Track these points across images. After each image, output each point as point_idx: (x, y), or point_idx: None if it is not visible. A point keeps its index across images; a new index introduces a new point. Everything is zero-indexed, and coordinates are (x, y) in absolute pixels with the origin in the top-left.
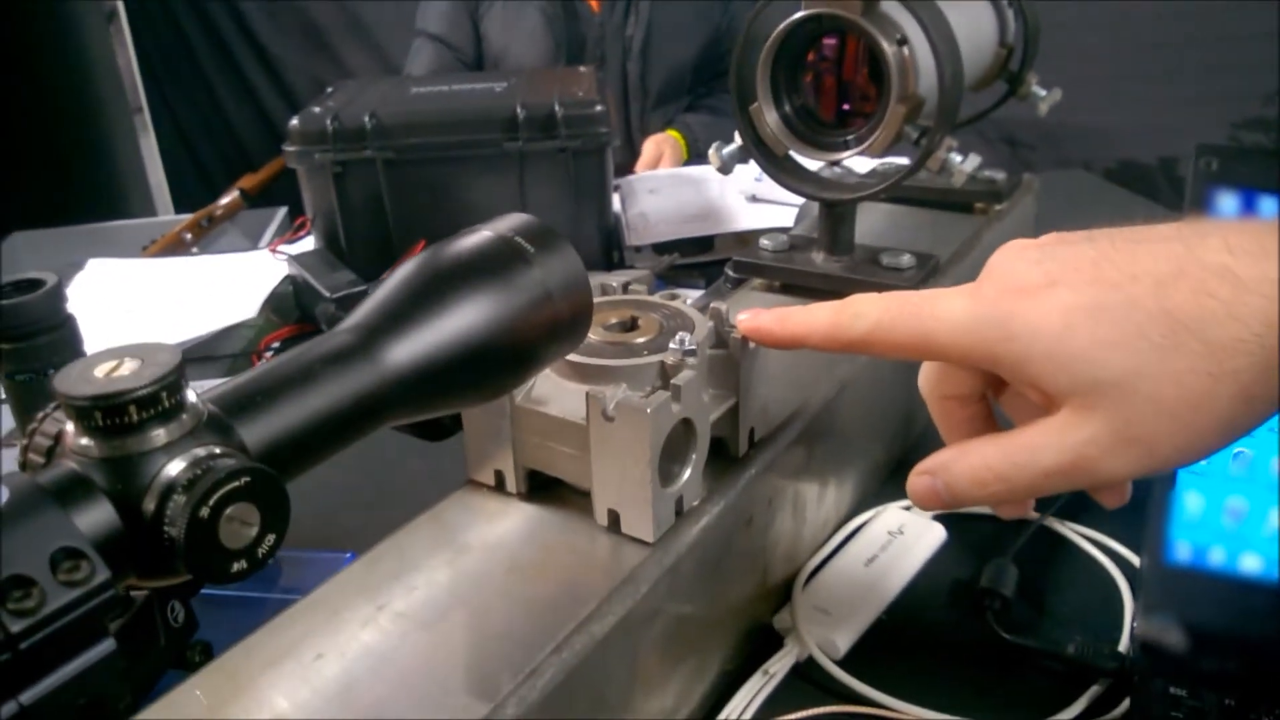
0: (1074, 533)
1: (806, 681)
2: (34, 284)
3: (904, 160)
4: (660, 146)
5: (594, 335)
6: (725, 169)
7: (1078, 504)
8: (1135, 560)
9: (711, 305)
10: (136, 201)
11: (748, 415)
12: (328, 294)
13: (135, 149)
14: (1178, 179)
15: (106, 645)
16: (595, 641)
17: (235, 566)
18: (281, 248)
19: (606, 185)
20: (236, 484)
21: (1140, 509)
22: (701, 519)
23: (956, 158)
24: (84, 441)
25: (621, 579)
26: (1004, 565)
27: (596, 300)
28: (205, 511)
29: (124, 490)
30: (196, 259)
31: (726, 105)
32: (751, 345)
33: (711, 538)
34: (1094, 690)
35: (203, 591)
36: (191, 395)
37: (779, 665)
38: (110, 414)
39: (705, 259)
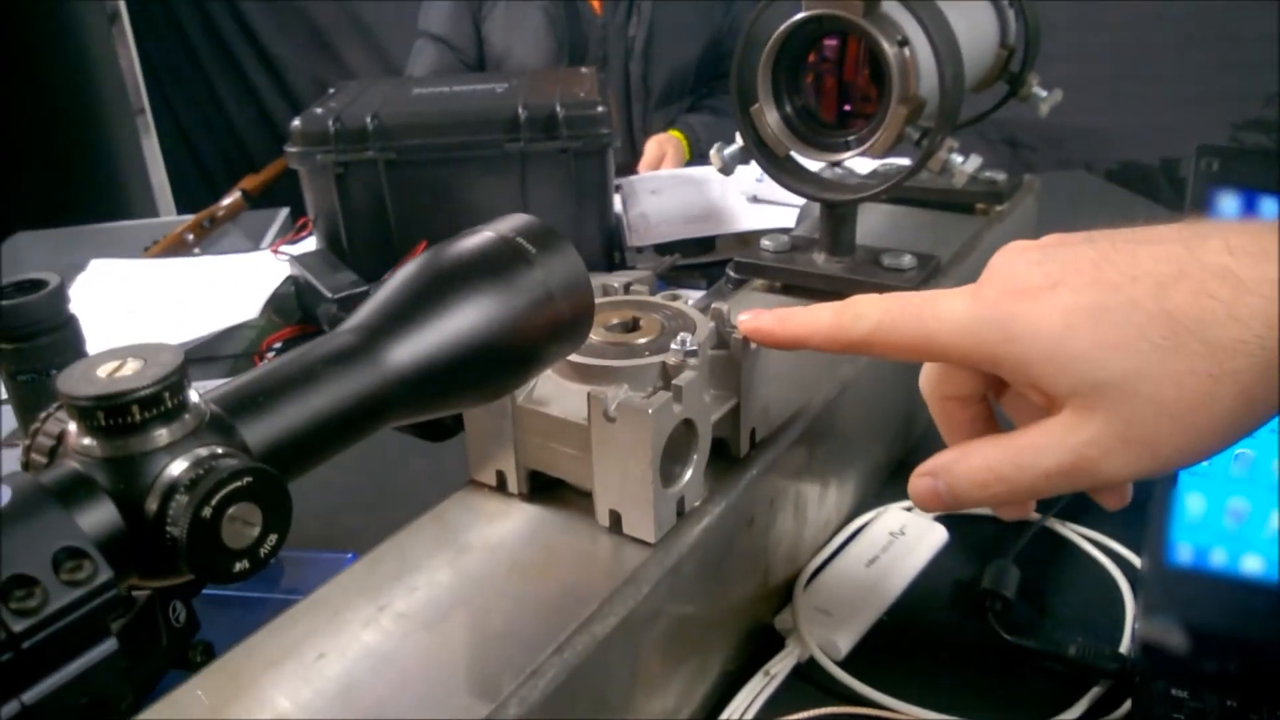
0: (1075, 534)
1: (807, 682)
2: (36, 284)
3: (905, 161)
4: (663, 146)
5: (595, 336)
6: (726, 170)
7: (1079, 505)
8: (1136, 561)
9: (713, 306)
10: (138, 202)
11: (749, 416)
12: (329, 295)
13: (137, 150)
14: (1179, 180)
15: (108, 645)
16: (597, 642)
17: (237, 566)
18: (283, 248)
19: (608, 186)
20: (239, 484)
21: (1141, 510)
22: (703, 519)
23: (957, 159)
24: (86, 441)
25: (623, 579)
26: (1005, 566)
27: (598, 301)
28: (207, 511)
29: (126, 490)
30: (198, 260)
31: (728, 106)
32: (753, 346)
33: (713, 538)
34: (1095, 691)
35: (204, 592)
36: (194, 395)
37: (780, 666)
38: (113, 414)
39: (706, 260)
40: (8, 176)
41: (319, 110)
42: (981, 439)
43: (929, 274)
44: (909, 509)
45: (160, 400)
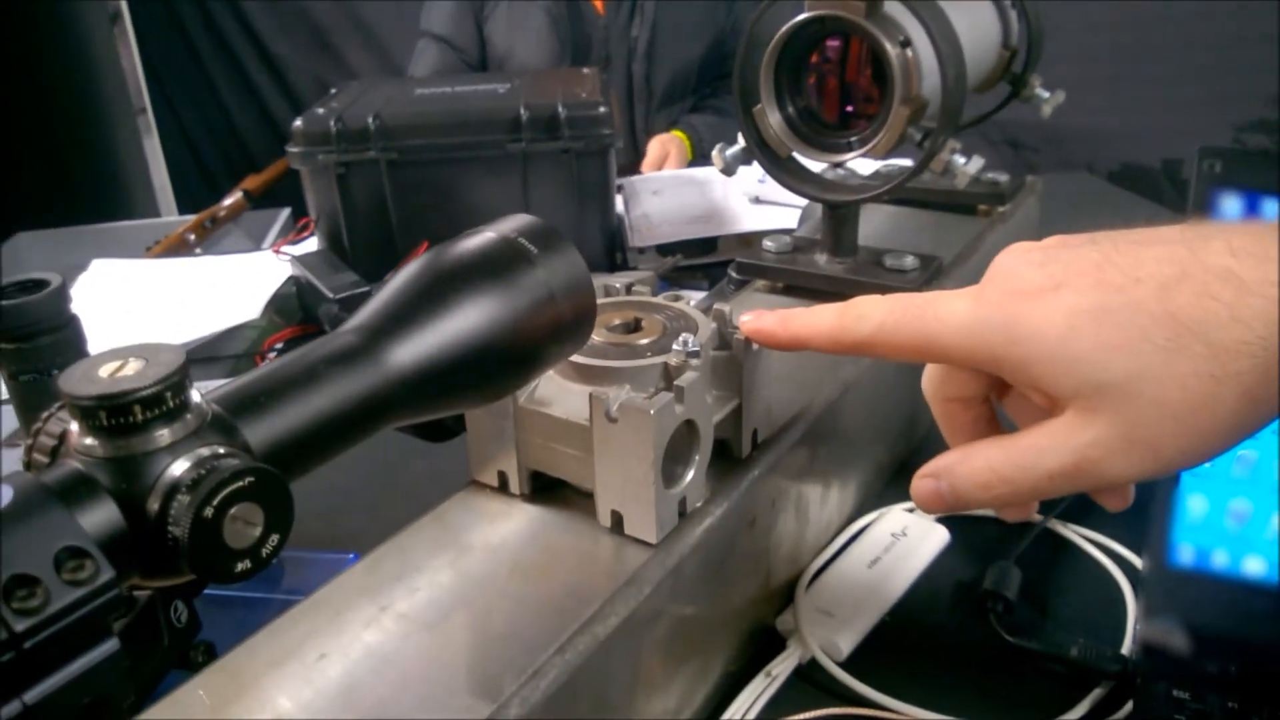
0: (1077, 535)
1: (809, 683)
2: (38, 284)
3: (907, 162)
4: (666, 146)
5: (597, 336)
6: (728, 170)
7: (1081, 507)
8: (1138, 563)
9: (715, 307)
10: (140, 202)
11: (751, 417)
12: (331, 295)
13: (139, 150)
14: (1181, 181)
15: (110, 645)
16: (598, 642)
17: (239, 566)
18: (285, 249)
19: (610, 186)
20: (240, 484)
21: (1143, 512)
22: (705, 520)
23: (960, 159)
24: (88, 441)
25: (624, 580)
26: (1007, 568)
27: (600, 301)
28: (209, 511)
29: (128, 490)
30: (200, 260)
31: (731, 106)
32: (755, 347)
33: (714, 539)
34: (1097, 693)
35: (206, 592)
36: (196, 395)
37: (782, 667)
38: (115, 414)
39: (708, 260)
40: (9, 176)
41: (321, 110)
42: (984, 440)
43: (931, 275)
44: (911, 510)
45: (162, 400)
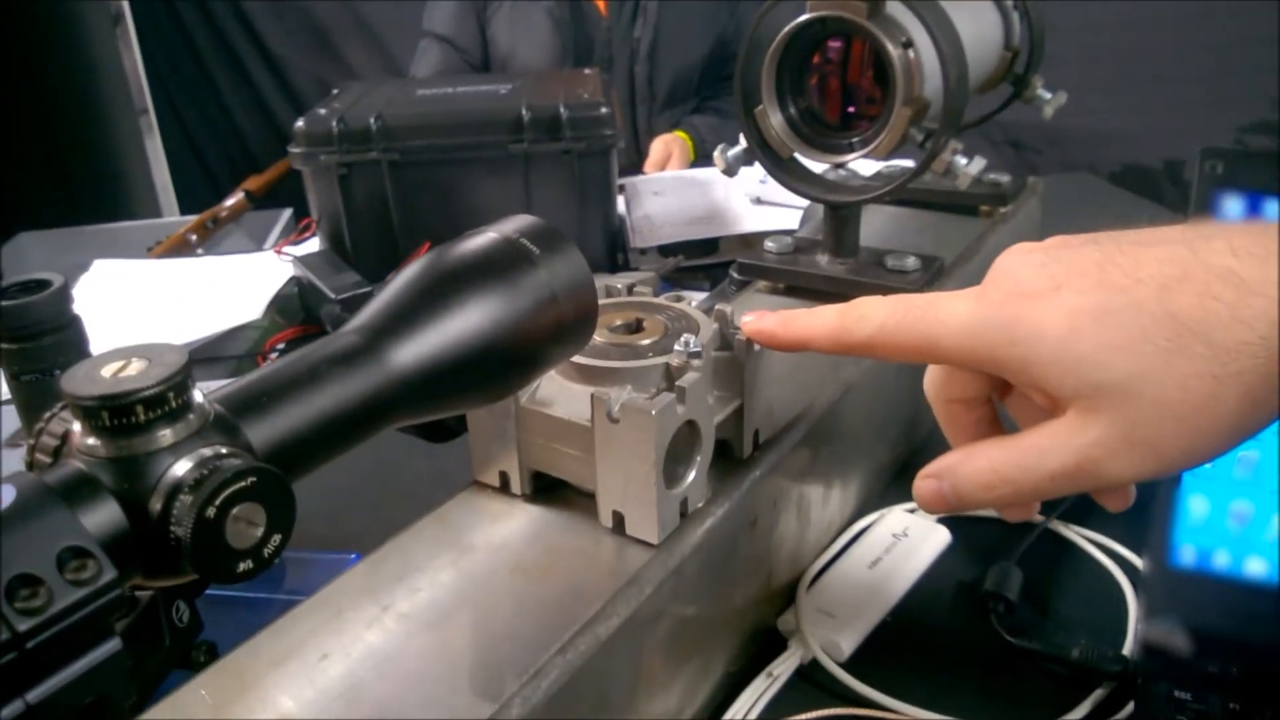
0: (1078, 536)
1: (810, 684)
2: (40, 284)
3: (909, 163)
4: (669, 146)
5: (599, 337)
6: (730, 171)
7: (1082, 507)
8: (1140, 564)
9: (716, 307)
10: (142, 203)
11: (752, 417)
12: (333, 295)
13: (141, 150)
14: (1183, 182)
15: (112, 645)
16: (600, 643)
17: (241, 566)
18: (286, 249)
19: (611, 187)
20: (243, 484)
21: (1144, 513)
22: (706, 521)
23: (961, 160)
24: (91, 441)
25: (626, 580)
26: (1008, 568)
27: (601, 302)
28: (211, 511)
29: (131, 490)
30: (202, 260)
31: (733, 107)
32: (756, 347)
33: (716, 539)
34: (1098, 694)
35: (208, 592)
36: (198, 395)
37: (783, 667)
38: (117, 414)
39: (710, 261)
40: (11, 177)
41: (322, 111)
42: (986, 441)
43: (933, 276)
44: (912, 510)
45: (164, 400)
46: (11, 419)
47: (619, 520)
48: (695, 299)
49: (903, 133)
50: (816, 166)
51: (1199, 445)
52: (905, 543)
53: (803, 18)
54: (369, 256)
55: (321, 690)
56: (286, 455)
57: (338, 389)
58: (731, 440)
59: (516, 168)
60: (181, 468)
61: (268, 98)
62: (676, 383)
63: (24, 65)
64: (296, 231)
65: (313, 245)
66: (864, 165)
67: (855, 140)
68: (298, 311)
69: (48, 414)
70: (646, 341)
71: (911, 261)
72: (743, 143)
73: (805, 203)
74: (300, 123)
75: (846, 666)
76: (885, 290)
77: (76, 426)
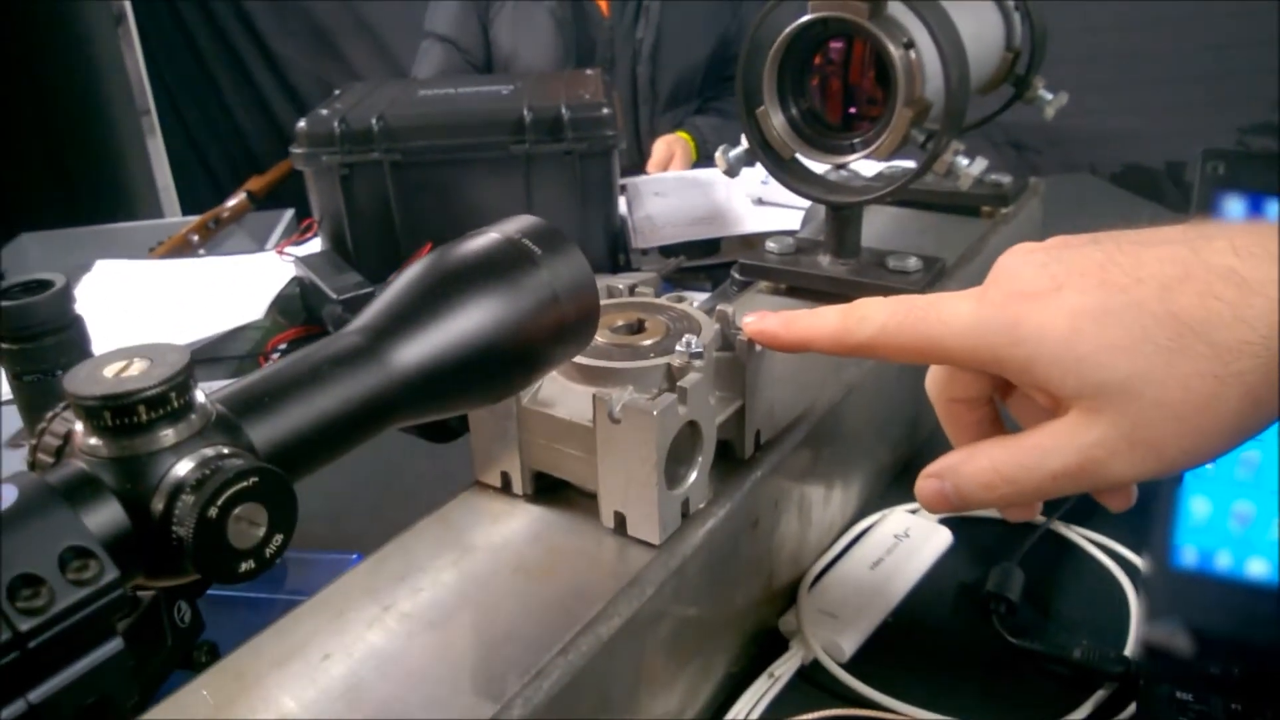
0: (1080, 537)
1: (812, 684)
2: (42, 285)
3: (910, 163)
4: (671, 147)
5: (600, 338)
6: (732, 172)
7: (1084, 508)
8: (1141, 564)
9: (718, 308)
10: (144, 203)
11: (754, 418)
12: (335, 296)
13: (143, 151)
14: (1184, 183)
15: (114, 645)
16: (601, 643)
17: (243, 566)
18: (288, 250)
19: (613, 188)
20: (245, 484)
21: (1146, 513)
22: (707, 521)
23: (963, 161)
24: (93, 441)
25: (627, 581)
26: (1010, 569)
27: (603, 302)
28: (213, 511)
29: (133, 490)
30: (204, 260)
31: (735, 108)
32: (758, 348)
33: (717, 540)
34: (1100, 694)
35: (209, 592)
36: (200, 395)
37: (784, 668)
38: (119, 414)
39: (711, 262)
40: (13, 177)
41: (324, 111)
42: (988, 440)
43: (934, 276)
44: (914, 511)
45: (166, 400)
46: (13, 419)
47: (620, 521)
48: (697, 299)
49: (904, 134)
50: (818, 167)
51: (1201, 445)
52: (907, 543)
53: (804, 18)
54: (371, 257)
55: (323, 690)
56: (288, 455)
57: (340, 389)
58: (733, 441)
59: (518, 168)
60: (183, 468)
61: (269, 98)
62: (678, 383)
63: (26, 66)
64: (298, 232)
65: (314, 246)
66: (865, 166)
67: (857, 141)
68: (299, 312)
69: (50, 414)
70: (648, 342)
71: (913, 262)
72: (744, 143)
73: (806, 203)
74: (302, 123)
75: (848, 667)
76: (887, 291)
77: (79, 426)
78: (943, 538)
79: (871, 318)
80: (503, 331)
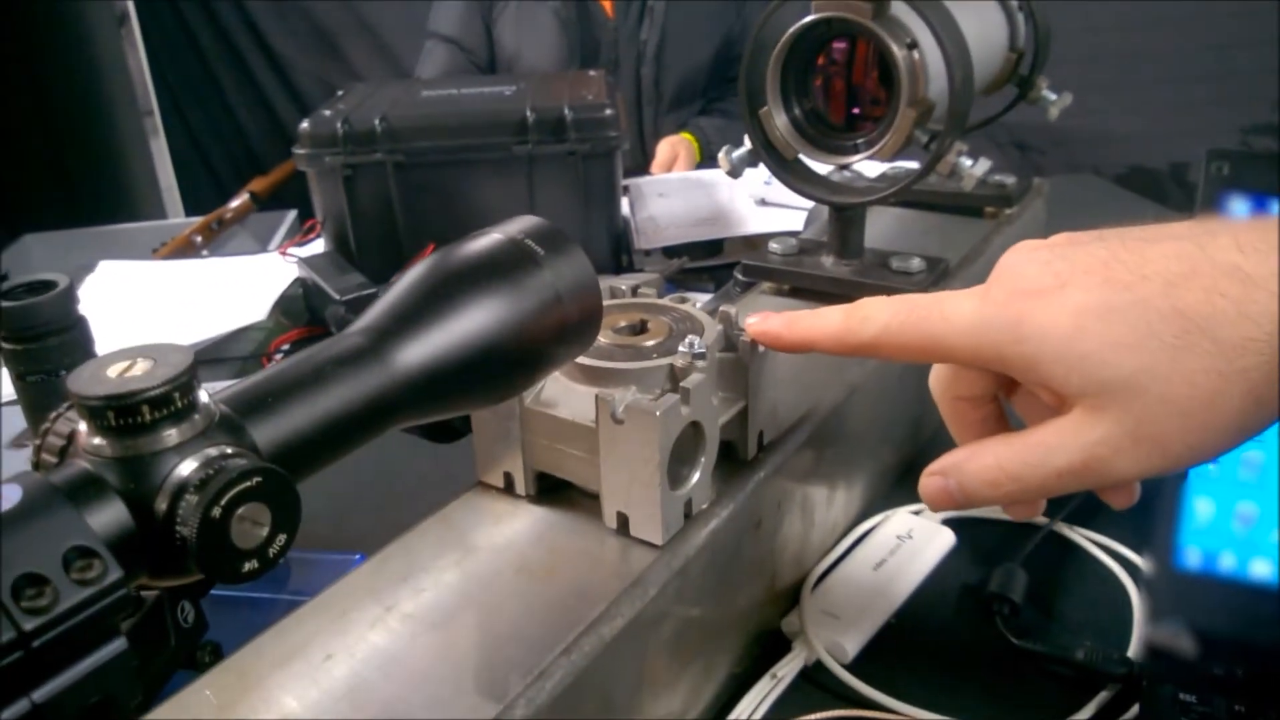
0: (1083, 538)
1: (814, 685)
2: (46, 285)
3: (914, 164)
4: (675, 148)
5: (603, 338)
6: (735, 172)
7: (1087, 509)
8: (1143, 565)
9: (721, 309)
10: (147, 204)
11: (757, 418)
12: (337, 296)
13: (146, 152)
14: (1188, 184)
15: (118, 644)
16: (604, 644)
17: (246, 566)
18: (291, 250)
19: (616, 189)
20: (248, 484)
21: (1150, 514)
22: (710, 522)
23: (966, 162)
24: (97, 441)
25: (630, 581)
26: (1013, 570)
27: (606, 303)
28: (217, 511)
29: (136, 490)
30: (207, 261)
31: (738, 109)
32: (761, 349)
33: (720, 541)
34: (1103, 696)
35: (212, 592)
36: (204, 395)
37: (787, 669)
38: (123, 414)
39: (714, 262)
40: (16, 178)
41: (327, 112)
42: (992, 438)
43: (937, 277)
44: (917, 512)
45: (170, 400)
46: (17, 419)
47: (623, 521)
48: (700, 300)
49: (907, 134)
50: (821, 168)
51: (1205, 442)
52: (910, 544)
53: (807, 19)
54: (373, 258)
55: (326, 691)
56: (291, 455)
57: (342, 390)
58: (736, 441)
59: (521, 169)
60: (187, 467)
61: (272, 99)
62: (681, 384)
63: (29, 66)
64: (301, 233)
65: (317, 246)
66: (869, 167)
67: (860, 142)
68: (303, 313)
69: (53, 414)
70: (651, 343)
71: (916, 263)
72: (747, 144)
73: (810, 204)
74: (305, 124)
75: (851, 668)
76: (890, 292)
77: (82, 426)
78: (946, 539)
79: (874, 317)
80: (505, 332)
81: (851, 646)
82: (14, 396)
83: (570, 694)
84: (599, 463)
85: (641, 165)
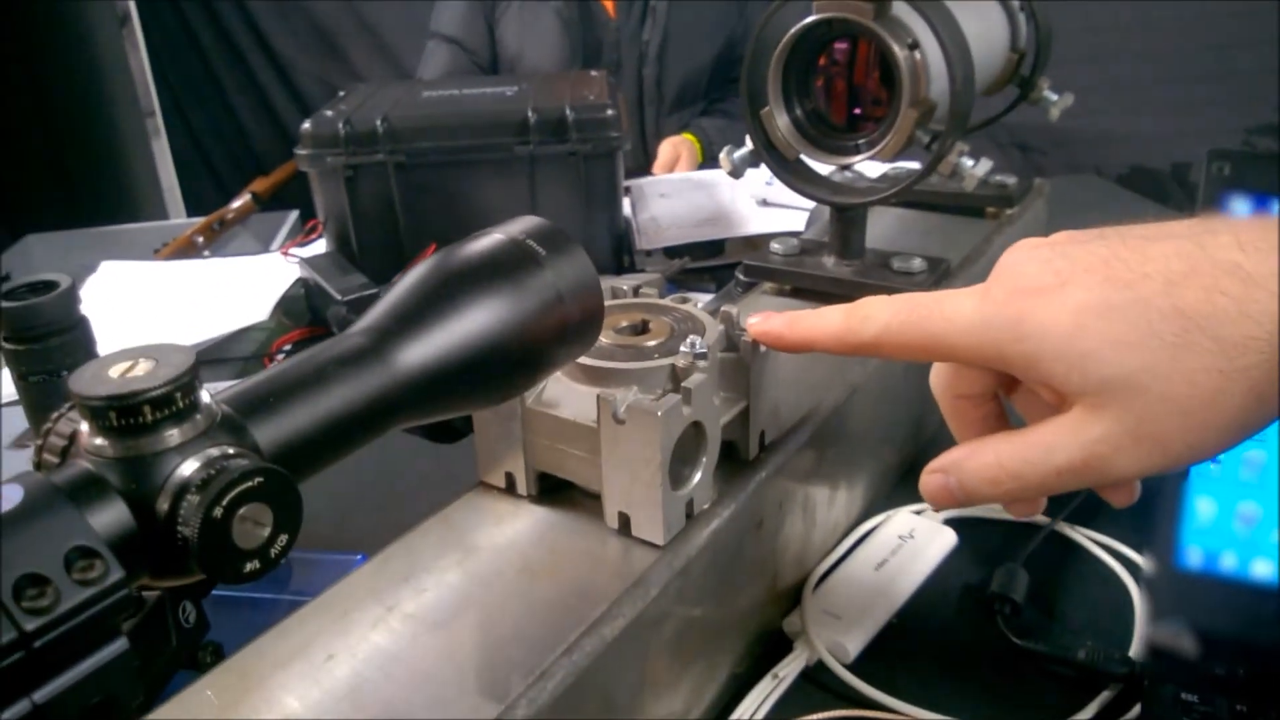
0: (1084, 538)
1: (816, 685)
2: (48, 286)
3: (915, 164)
4: (677, 149)
5: (605, 338)
6: (736, 173)
7: (1088, 509)
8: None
9: (722, 309)
10: (149, 204)
11: (758, 418)
12: (339, 297)
13: (148, 152)
14: (1190, 184)
15: (119, 645)
16: (605, 644)
17: (248, 566)
18: (293, 251)
19: (617, 189)
20: (250, 484)
21: (1151, 514)
22: (712, 522)
23: (968, 162)
24: (98, 441)
25: (632, 581)
26: (1015, 570)
27: (607, 303)
28: (219, 511)
29: (138, 490)
30: (208, 262)
31: (740, 109)
32: (762, 349)
33: (722, 541)
34: (1105, 695)
35: (214, 593)
36: (205, 396)
37: (788, 669)
38: (125, 414)
39: (716, 263)
40: (19, 179)
41: (329, 113)
42: (993, 436)
43: (939, 277)
44: (918, 512)
45: (172, 400)
46: (19, 419)
47: (625, 521)
48: (701, 300)
49: (909, 134)
50: (823, 168)
51: (1206, 440)
52: (911, 544)
53: (809, 19)
54: (375, 258)
55: (327, 691)
56: (293, 456)
57: (344, 390)
58: (737, 441)
59: (522, 170)
60: (189, 468)
61: (274, 100)
62: (682, 384)
63: (31, 67)
64: (303, 233)
65: (319, 247)
66: (870, 167)
67: (861, 142)
68: (304, 313)
69: (55, 414)
70: (652, 343)
71: (918, 263)
72: (749, 144)
73: (811, 205)
74: (307, 125)
75: (852, 668)
76: (891, 291)
77: (84, 427)
78: (947, 539)
79: (875, 316)
80: (507, 332)
81: (853, 646)
82: (15, 397)
83: (572, 694)
84: (600, 463)
85: (643, 166)
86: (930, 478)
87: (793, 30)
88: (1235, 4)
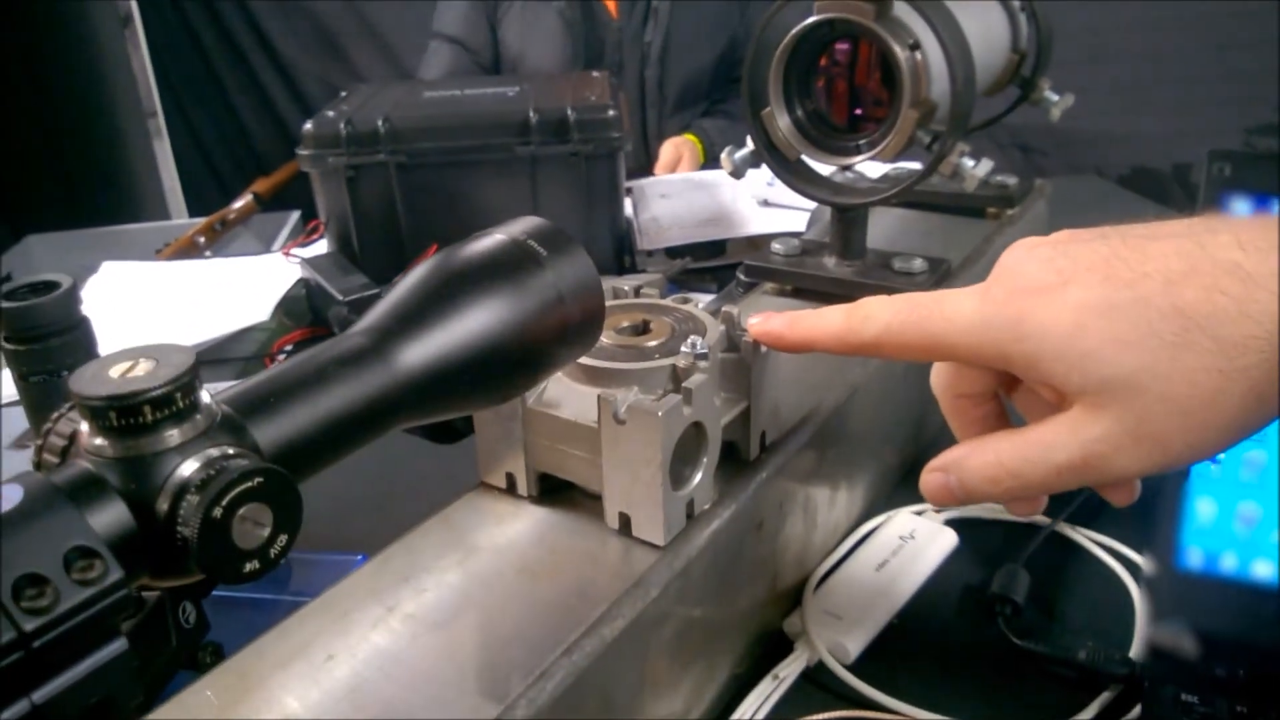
0: (1085, 538)
1: (816, 686)
2: (49, 286)
3: (916, 165)
4: (679, 149)
5: (606, 339)
6: (737, 173)
7: (1089, 509)
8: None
9: (723, 309)
10: (150, 205)
11: (759, 419)
12: (340, 297)
13: (149, 153)
14: (1191, 185)
15: (118, 645)
16: (605, 644)
17: (248, 567)
18: (294, 251)
19: (619, 189)
20: (250, 484)
21: (1152, 515)
22: (712, 522)
23: (969, 162)
24: (98, 441)
25: (632, 582)
26: (1015, 570)
27: (608, 304)
28: (218, 511)
29: (138, 490)
30: (210, 262)
31: (742, 110)
32: (763, 349)
33: (722, 541)
34: (1105, 696)
35: (214, 593)
36: (205, 396)
37: (789, 669)
38: (125, 414)
39: (717, 263)
40: (19, 179)
41: (330, 113)
42: (993, 435)
43: (940, 277)
44: (919, 513)
45: (172, 401)
46: (19, 420)
47: (625, 522)
48: (702, 301)
49: (910, 135)
50: (824, 169)
51: (1205, 440)
52: (912, 545)
53: (810, 20)
54: (376, 258)
55: (327, 691)
56: (293, 456)
57: (345, 390)
58: (738, 442)
59: (524, 170)
60: (188, 468)
61: (275, 100)
62: (683, 384)
63: (32, 67)
64: (304, 233)
65: (320, 247)
66: (871, 168)
67: (862, 142)
68: (305, 313)
69: (55, 414)
70: (653, 343)
71: (919, 263)
72: (750, 145)
73: (812, 205)
74: (308, 125)
75: (853, 669)
76: (892, 292)
77: (84, 427)
78: (948, 539)
79: (876, 316)
80: (508, 333)
81: (854, 647)
82: (16, 397)
83: (571, 695)
84: (601, 463)
85: (645, 167)
86: (930, 476)
87: (794, 31)
88: (1235, 4)
